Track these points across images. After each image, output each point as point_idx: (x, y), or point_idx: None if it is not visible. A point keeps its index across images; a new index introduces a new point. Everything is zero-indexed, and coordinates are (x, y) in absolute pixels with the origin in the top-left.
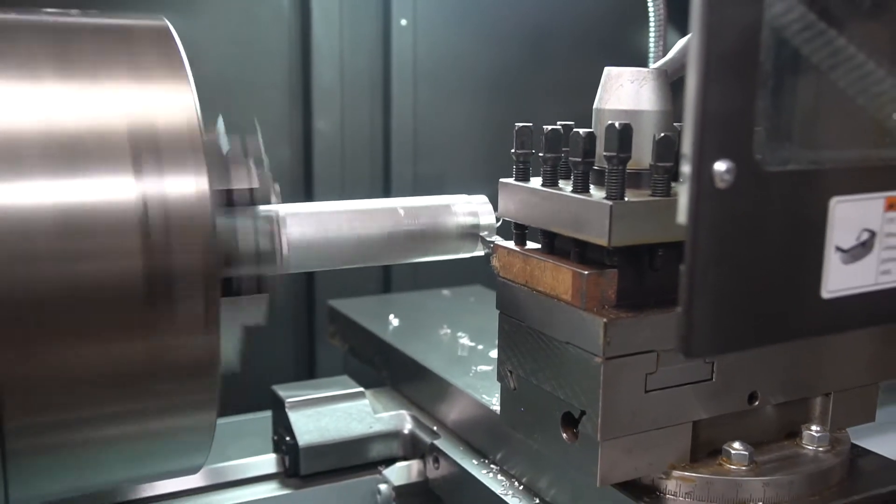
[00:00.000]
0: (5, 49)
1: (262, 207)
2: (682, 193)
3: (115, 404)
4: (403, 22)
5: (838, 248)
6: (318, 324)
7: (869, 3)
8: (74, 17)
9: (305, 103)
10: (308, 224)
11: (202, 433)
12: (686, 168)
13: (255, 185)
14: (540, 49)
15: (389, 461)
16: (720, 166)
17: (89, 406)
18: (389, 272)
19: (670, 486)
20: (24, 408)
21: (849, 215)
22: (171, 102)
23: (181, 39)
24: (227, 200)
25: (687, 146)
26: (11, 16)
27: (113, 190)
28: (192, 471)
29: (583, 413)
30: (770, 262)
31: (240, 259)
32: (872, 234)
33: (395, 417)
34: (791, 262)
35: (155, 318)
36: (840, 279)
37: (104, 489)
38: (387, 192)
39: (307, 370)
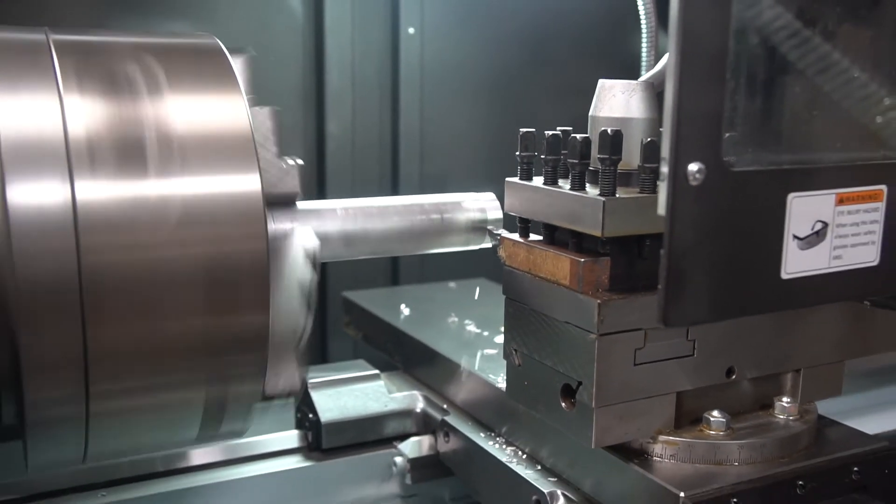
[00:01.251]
0: (85, 65)
1: (301, 203)
2: (661, 190)
3: (181, 374)
4: (411, 30)
5: (795, 237)
6: (330, 315)
7: (825, 25)
8: (146, 38)
9: (318, 107)
10: (339, 219)
11: (250, 400)
12: (664, 168)
13: (297, 184)
14: (539, 55)
15: (403, 437)
16: (693, 167)
17: (159, 375)
18: (397, 266)
19: (657, 448)
20: (107, 375)
21: (804, 209)
22: (227, 113)
23: None
24: (275, 197)
25: (665, 150)
26: (98, 38)
27: (178, 186)
28: (238, 435)
29: (579, 384)
30: (736, 247)
31: (287, 248)
32: (825, 224)
33: (407, 397)
34: (754, 247)
35: (216, 300)
36: (797, 263)
37: (164, 449)
38: (395, 191)
39: (320, 358)
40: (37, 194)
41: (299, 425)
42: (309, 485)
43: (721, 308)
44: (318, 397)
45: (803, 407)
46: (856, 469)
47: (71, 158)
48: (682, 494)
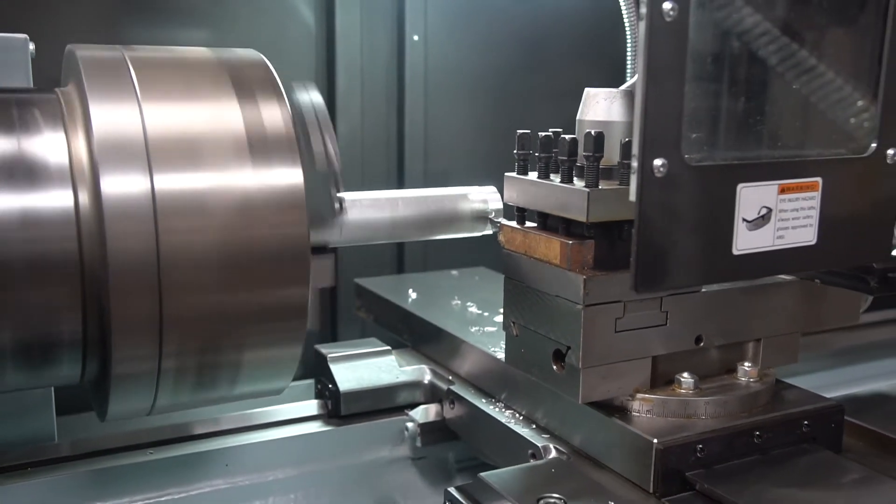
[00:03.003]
0: (157, 77)
1: (334, 193)
2: (632, 180)
3: (236, 338)
4: (416, 38)
5: (744, 220)
6: (341, 301)
7: (770, 46)
8: (203, 53)
9: (330, 108)
10: (364, 208)
11: (290, 362)
12: (634, 163)
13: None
14: (534, 60)
15: (413, 405)
16: (658, 161)
17: (217, 339)
18: (402, 255)
19: (635, 405)
20: (177, 338)
21: (752, 197)
22: (272, 115)
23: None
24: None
25: (635, 147)
26: (164, 54)
27: (237, 179)
28: (278, 391)
29: (568, 348)
30: (695, 228)
31: (321, 231)
32: (770, 210)
33: (416, 370)
34: (710, 228)
35: (266, 276)
36: (746, 241)
37: (217, 403)
38: (401, 186)
39: (330, 339)
40: (123, 185)
41: (319, 395)
42: (329, 447)
43: (682, 278)
44: (336, 369)
45: (763, 371)
46: (806, 423)
47: (150, 155)
48: (655, 441)
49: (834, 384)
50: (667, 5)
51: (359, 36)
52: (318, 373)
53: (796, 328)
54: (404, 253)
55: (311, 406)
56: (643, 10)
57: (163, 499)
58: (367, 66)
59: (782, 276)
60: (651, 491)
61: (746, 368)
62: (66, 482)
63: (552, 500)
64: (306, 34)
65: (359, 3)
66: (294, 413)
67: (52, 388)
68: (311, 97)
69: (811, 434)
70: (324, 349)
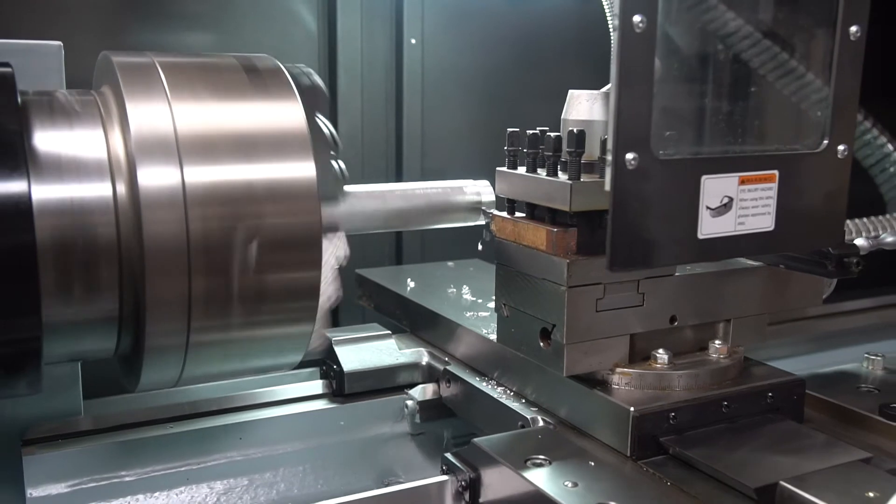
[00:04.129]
0: (184, 80)
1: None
2: (607, 172)
3: (256, 316)
4: (413, 41)
5: (708, 207)
6: (343, 290)
7: (734, 51)
8: (224, 58)
9: (332, 108)
10: (369, 199)
11: (303, 339)
12: (609, 157)
13: (339, 171)
14: (526, 61)
15: (412, 385)
16: (629, 155)
17: (240, 316)
18: (401, 247)
19: (615, 378)
20: (204, 314)
21: (715, 187)
22: (288, 114)
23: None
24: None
25: (610, 143)
26: (189, 59)
27: (257, 171)
28: (291, 366)
29: (554, 326)
30: (663, 214)
31: (331, 220)
32: (731, 199)
33: (415, 353)
34: (677, 215)
35: (282, 258)
36: (710, 227)
37: (236, 377)
38: (399, 182)
39: (332, 325)
40: (157, 177)
41: (325, 376)
42: (334, 423)
43: (652, 259)
44: (341, 351)
45: (732, 349)
46: (770, 394)
47: (180, 150)
48: (632, 409)
49: (807, 368)
50: (636, 18)
51: (359, 39)
52: (323, 355)
53: (763, 310)
54: (403, 245)
55: (318, 385)
56: (615, 21)
57: (182, 469)
58: (367, 68)
59: (750, 262)
60: (628, 455)
61: (717, 346)
62: (93, 453)
63: (538, 461)
64: (309, 38)
65: (359, 8)
66: (302, 392)
67: (80, 366)
68: (314, 81)
69: (775, 405)
70: (329, 333)
